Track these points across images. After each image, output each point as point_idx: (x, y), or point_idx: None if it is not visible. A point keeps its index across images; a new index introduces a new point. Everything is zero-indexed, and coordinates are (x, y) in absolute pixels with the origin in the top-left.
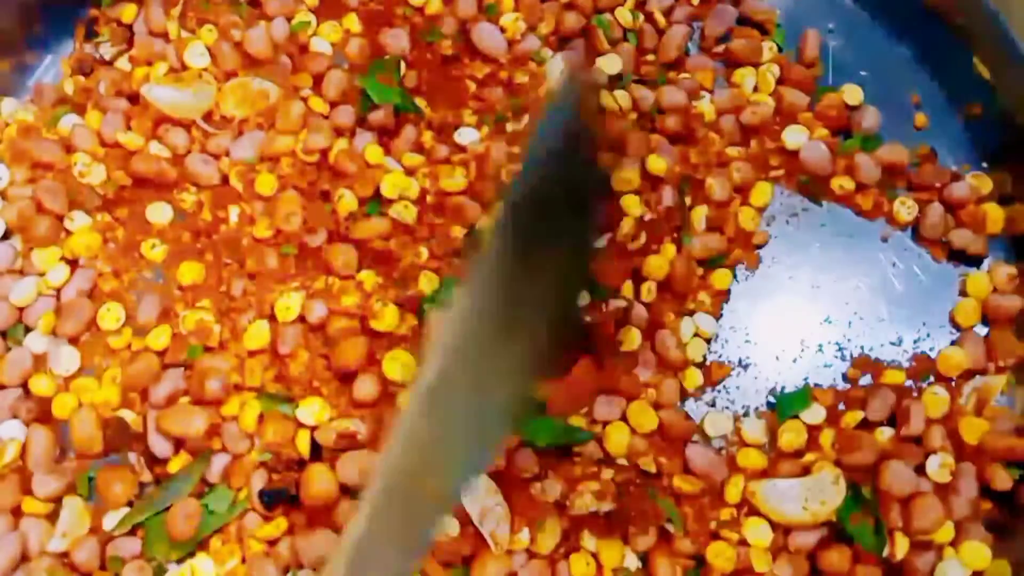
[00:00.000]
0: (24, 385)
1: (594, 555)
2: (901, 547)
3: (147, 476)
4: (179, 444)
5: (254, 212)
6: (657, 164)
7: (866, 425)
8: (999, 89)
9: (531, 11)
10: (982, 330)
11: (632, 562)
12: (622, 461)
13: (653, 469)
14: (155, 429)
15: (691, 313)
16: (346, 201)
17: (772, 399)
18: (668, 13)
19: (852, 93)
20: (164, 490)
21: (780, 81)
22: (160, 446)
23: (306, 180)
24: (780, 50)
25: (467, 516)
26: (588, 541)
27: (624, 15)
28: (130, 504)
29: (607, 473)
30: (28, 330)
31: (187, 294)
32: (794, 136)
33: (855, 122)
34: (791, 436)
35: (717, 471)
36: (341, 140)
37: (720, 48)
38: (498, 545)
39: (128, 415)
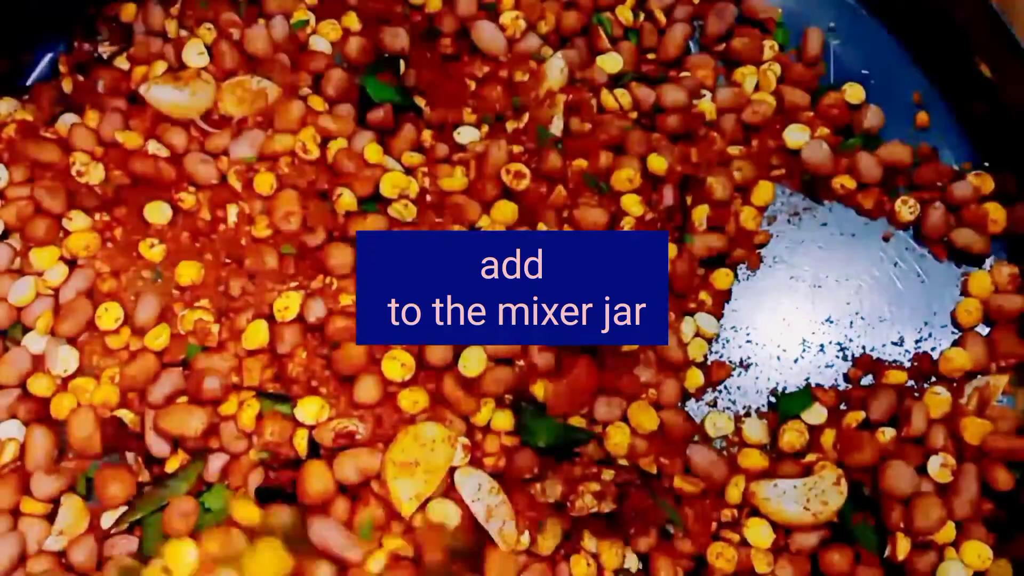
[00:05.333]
0: (23, 385)
1: (594, 556)
2: (902, 547)
3: (145, 476)
4: (177, 444)
5: (253, 211)
6: (657, 163)
7: (868, 425)
8: (1001, 88)
9: (531, 9)
10: (984, 330)
11: (632, 563)
12: (623, 462)
13: (654, 470)
14: (153, 428)
15: (692, 312)
16: (345, 200)
17: (773, 399)
18: (669, 11)
19: (854, 92)
20: (161, 488)
21: (781, 80)
22: (158, 446)
23: (305, 179)
24: (782, 49)
25: (473, 516)
26: (589, 542)
27: (625, 13)
28: (128, 504)
29: (607, 474)
30: (26, 330)
31: (186, 294)
32: (795, 135)
33: (857, 121)
34: (792, 436)
35: (718, 471)
36: (340, 139)
37: (721, 47)
38: (506, 543)
39: (126, 415)
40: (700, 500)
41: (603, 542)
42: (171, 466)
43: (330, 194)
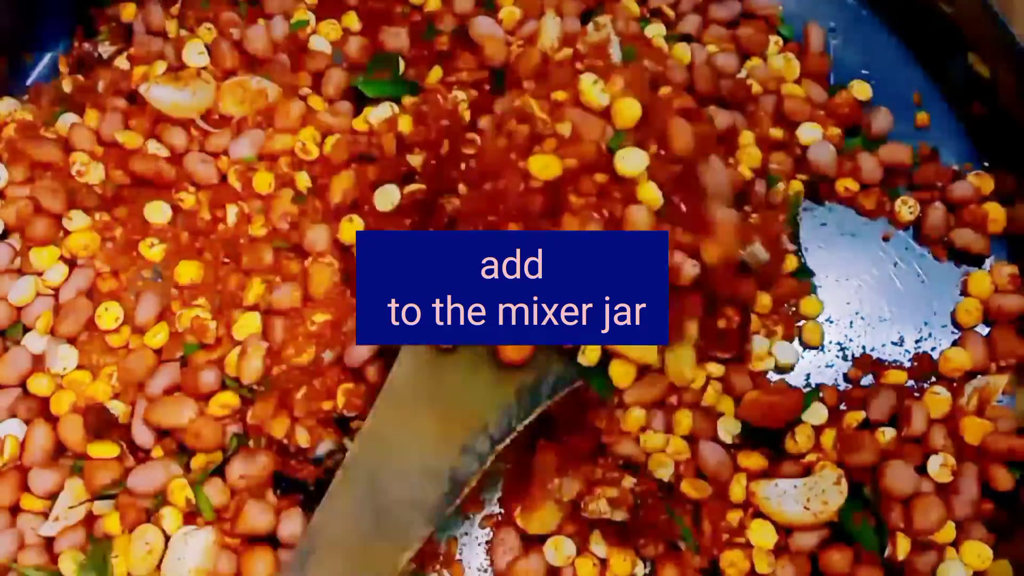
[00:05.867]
0: (23, 385)
1: (602, 560)
2: (902, 547)
3: (131, 461)
4: (162, 433)
5: (252, 211)
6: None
7: (868, 425)
8: (1000, 88)
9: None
10: (984, 330)
11: (640, 570)
12: (662, 472)
13: (671, 471)
14: (142, 420)
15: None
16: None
17: None
18: (675, 5)
19: (861, 89)
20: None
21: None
22: (143, 436)
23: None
24: (785, 41)
25: None
26: (597, 546)
27: (632, 6)
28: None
29: (628, 481)
30: (27, 330)
31: (185, 293)
32: (808, 132)
33: (866, 123)
34: (803, 440)
35: (725, 471)
36: (338, 134)
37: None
38: None
39: (117, 406)
40: (713, 511)
41: (613, 548)
42: (156, 454)
43: (323, 189)
